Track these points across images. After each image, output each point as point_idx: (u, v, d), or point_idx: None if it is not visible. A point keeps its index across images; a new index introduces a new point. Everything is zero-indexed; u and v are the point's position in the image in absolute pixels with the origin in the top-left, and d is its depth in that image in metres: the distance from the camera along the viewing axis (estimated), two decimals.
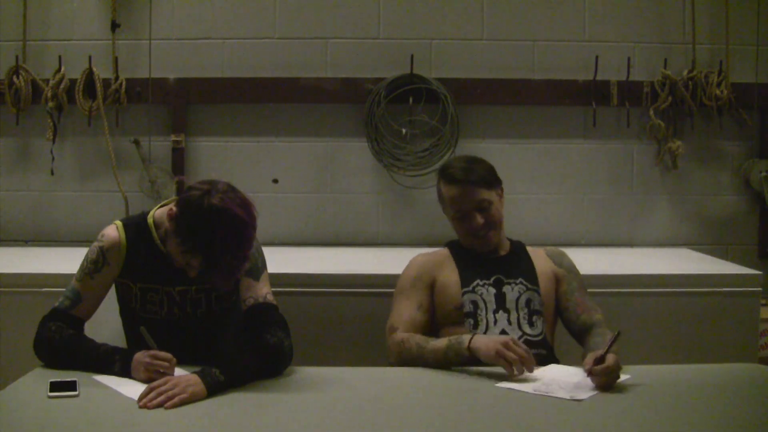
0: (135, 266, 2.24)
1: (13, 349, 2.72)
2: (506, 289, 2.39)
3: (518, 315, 2.36)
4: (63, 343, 2.13)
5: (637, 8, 3.54)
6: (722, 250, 3.59)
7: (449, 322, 2.38)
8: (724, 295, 2.88)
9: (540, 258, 2.50)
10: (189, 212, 2.04)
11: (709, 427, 1.81)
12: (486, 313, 2.35)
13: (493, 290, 2.38)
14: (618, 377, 2.05)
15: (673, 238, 3.61)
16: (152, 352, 2.04)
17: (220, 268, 2.04)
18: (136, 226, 2.26)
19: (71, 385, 1.94)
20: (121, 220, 2.29)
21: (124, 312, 2.33)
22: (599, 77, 3.51)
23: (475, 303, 2.37)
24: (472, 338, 2.14)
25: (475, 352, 2.10)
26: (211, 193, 2.03)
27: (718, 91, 3.47)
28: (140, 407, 1.86)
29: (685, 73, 3.50)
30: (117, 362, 2.07)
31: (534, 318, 2.37)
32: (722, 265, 3.17)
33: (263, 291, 2.24)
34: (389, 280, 2.54)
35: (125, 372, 2.04)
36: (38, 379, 2.05)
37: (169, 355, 2.03)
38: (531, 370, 2.07)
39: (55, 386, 1.94)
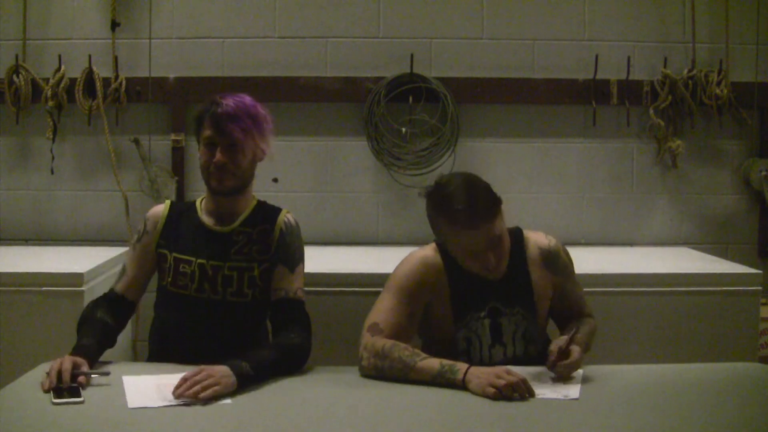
0: (172, 235, 2.32)
1: (13, 349, 2.71)
2: (503, 320, 2.26)
3: (514, 348, 2.27)
4: (81, 320, 2.25)
5: (636, 7, 3.54)
6: (722, 249, 3.59)
7: (439, 350, 2.21)
8: (724, 294, 2.88)
9: (537, 267, 2.31)
10: (201, 106, 2.29)
11: (709, 427, 1.81)
12: (481, 350, 2.25)
13: (488, 322, 2.25)
14: (579, 366, 2.10)
15: (673, 237, 3.61)
16: (67, 366, 1.98)
17: (226, 121, 2.20)
18: (183, 204, 2.42)
19: (74, 391, 1.92)
20: (172, 200, 2.44)
21: (158, 289, 2.37)
22: (599, 76, 3.50)
23: (469, 340, 2.26)
24: (466, 372, 2.02)
25: (467, 385, 2.01)
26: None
27: (718, 90, 3.47)
28: (176, 397, 1.89)
29: (684, 72, 3.50)
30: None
31: (529, 347, 2.28)
32: (722, 264, 3.17)
33: (295, 285, 2.29)
34: None
35: None
36: (39, 378, 2.05)
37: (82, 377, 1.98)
38: (526, 396, 1.96)
39: (58, 392, 1.91)
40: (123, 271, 2.34)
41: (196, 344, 2.23)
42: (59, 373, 1.95)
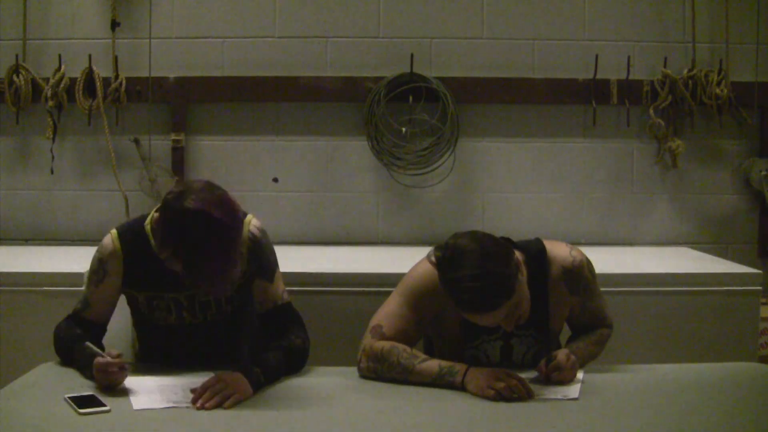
0: (136, 275, 2.18)
1: (13, 349, 2.71)
2: (515, 341, 2.19)
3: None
4: (65, 341, 2.12)
5: (636, 7, 3.54)
6: (722, 248, 3.58)
7: (442, 354, 2.22)
8: (724, 294, 2.87)
9: (557, 289, 2.20)
10: (164, 217, 1.94)
11: (709, 427, 1.81)
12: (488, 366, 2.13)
13: (500, 343, 2.19)
14: (574, 370, 2.06)
15: (673, 237, 3.61)
16: (105, 360, 1.94)
17: (204, 274, 1.93)
18: (132, 233, 2.18)
19: (95, 400, 1.88)
20: (117, 228, 2.21)
21: (135, 317, 2.31)
22: (599, 76, 3.50)
23: (476, 358, 2.19)
24: (465, 375, 2.02)
25: (466, 386, 2.01)
26: (185, 195, 1.91)
27: (718, 90, 3.47)
28: (197, 408, 1.86)
29: (685, 71, 3.50)
30: (91, 368, 1.99)
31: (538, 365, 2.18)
32: (722, 264, 3.17)
33: (279, 291, 2.24)
34: (389, 279, 2.52)
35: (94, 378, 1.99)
36: (39, 377, 2.05)
37: (116, 353, 1.96)
38: (526, 398, 1.96)
39: (79, 403, 1.86)
40: (86, 302, 2.18)
41: (185, 359, 2.19)
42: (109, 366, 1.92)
